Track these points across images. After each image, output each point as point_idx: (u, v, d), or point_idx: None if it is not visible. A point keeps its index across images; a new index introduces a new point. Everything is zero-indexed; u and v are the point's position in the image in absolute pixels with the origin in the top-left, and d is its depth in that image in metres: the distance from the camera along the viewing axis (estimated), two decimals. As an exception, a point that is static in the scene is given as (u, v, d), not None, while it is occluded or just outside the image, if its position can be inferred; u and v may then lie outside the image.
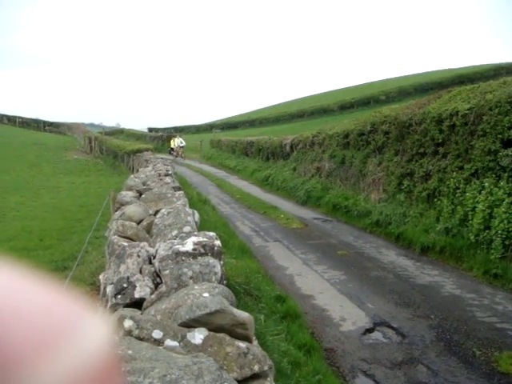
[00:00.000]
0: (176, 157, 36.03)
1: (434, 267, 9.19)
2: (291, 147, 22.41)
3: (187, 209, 5.35)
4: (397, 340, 6.24)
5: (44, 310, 0.36)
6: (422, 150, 11.98)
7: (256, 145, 27.99)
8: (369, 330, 6.55)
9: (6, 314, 0.35)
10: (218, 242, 3.69)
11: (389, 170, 13.41)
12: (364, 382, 5.31)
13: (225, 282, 3.57)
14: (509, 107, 9.28)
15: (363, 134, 15.45)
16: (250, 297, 6.55)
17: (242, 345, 2.57)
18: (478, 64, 67.13)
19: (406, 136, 12.76)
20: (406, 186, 12.36)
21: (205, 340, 2.52)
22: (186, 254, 3.47)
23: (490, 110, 9.69)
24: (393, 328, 6.56)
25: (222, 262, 3.65)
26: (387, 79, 75.18)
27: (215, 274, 3.37)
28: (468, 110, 10.38)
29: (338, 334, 6.44)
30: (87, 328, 0.37)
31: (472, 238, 9.21)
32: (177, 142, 37.90)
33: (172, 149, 38.41)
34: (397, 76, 76.78)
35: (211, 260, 3.44)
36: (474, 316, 6.85)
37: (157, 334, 2.51)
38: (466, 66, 69.07)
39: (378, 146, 14.36)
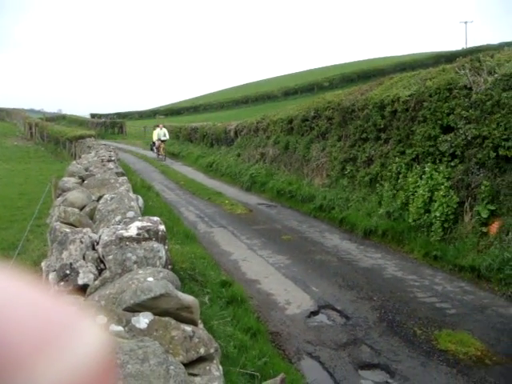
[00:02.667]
0: (158, 155, 27.78)
1: (377, 250, 9.37)
2: (235, 133, 22.40)
3: (131, 194, 5.27)
4: (341, 322, 6.34)
5: (40, 313, 0.36)
6: (364, 136, 12.16)
7: (200, 131, 27.87)
8: (313, 313, 6.62)
9: (2, 317, 0.35)
10: (162, 227, 3.65)
11: (332, 156, 13.56)
12: (309, 363, 5.37)
13: (170, 266, 3.54)
14: (448, 94, 9.50)
15: (307, 120, 15.57)
16: (195, 282, 6.53)
17: (188, 328, 2.56)
18: (419, 52, 68.54)
19: (349, 122, 12.93)
20: (348, 171, 12.53)
21: (150, 324, 2.49)
22: (130, 239, 3.41)
23: (430, 96, 9.90)
24: (337, 310, 6.66)
25: (166, 247, 3.61)
26: (330, 66, 75.88)
27: (160, 258, 3.34)
28: (409, 96, 10.58)
29: (283, 318, 6.49)
30: (83, 331, 0.37)
31: (412, 221, 9.43)
32: (159, 133, 27.73)
33: (153, 143, 28.67)
34: (340, 63, 77.56)
35: (156, 245, 3.40)
36: (415, 297, 7.03)
37: (101, 319, 2.47)
38: (407, 53, 70.41)
39: (322, 131, 14.50)
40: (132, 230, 3.44)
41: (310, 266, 8.51)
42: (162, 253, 3.36)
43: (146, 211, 6.67)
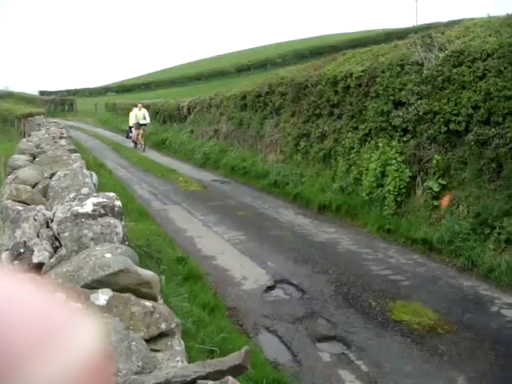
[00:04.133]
0: (136, 145, 22.09)
1: (331, 225, 9.48)
2: (188, 110, 22.22)
3: (85, 171, 5.16)
4: (297, 296, 6.40)
5: (35, 313, 0.36)
6: (317, 111, 12.21)
7: (152, 108, 27.49)
8: (270, 288, 6.67)
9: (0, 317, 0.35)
10: (118, 203, 3.58)
11: (286, 131, 13.58)
12: (267, 337, 5.42)
13: (127, 242, 3.49)
14: (400, 70, 9.61)
15: (260, 96, 15.53)
16: (151, 259, 6.47)
17: (148, 304, 2.53)
18: (370, 29, 69.03)
19: (303, 97, 12.95)
20: (302, 146, 12.57)
21: (109, 301, 2.45)
22: (86, 215, 3.34)
23: (383, 72, 9.99)
24: (293, 284, 6.72)
25: (123, 223, 3.55)
26: (283, 42, 75.78)
27: (117, 234, 3.28)
28: (362, 72, 10.64)
29: (240, 293, 6.51)
30: (79, 329, 0.37)
31: (366, 195, 9.56)
32: (137, 115, 21.94)
33: (130, 128, 22.87)
34: (292, 39, 77.50)
35: (112, 220, 3.34)
36: (369, 270, 7.15)
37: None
38: (359, 30, 70.82)
39: (275, 107, 14.49)
40: (87, 207, 3.36)
41: (266, 242, 8.55)
42: (119, 229, 3.30)
43: (99, 189, 6.57)
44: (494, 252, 6.87)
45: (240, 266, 7.43)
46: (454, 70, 8.37)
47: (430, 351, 4.96)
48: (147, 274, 2.73)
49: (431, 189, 8.34)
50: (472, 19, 10.37)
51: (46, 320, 0.36)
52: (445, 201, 8.17)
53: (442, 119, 8.44)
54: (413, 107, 9.05)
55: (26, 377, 0.33)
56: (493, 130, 7.58)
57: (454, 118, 8.22)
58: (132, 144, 22.67)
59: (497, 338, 5.16)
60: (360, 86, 10.62)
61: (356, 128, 10.69)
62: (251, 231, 9.20)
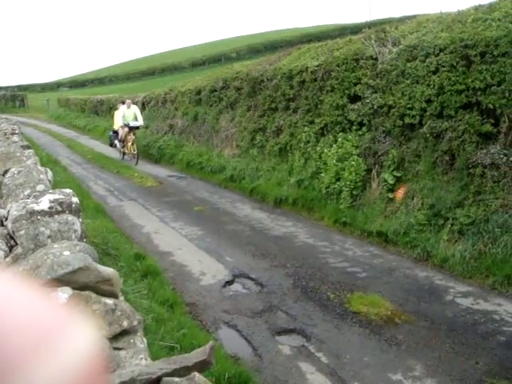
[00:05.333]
0: (123, 155, 17.55)
1: (288, 219, 9.51)
2: (143, 105, 21.95)
3: (39, 167, 5.03)
4: (256, 290, 6.40)
5: (33, 315, 0.36)
6: (273, 106, 12.24)
7: (106, 103, 27.12)
8: (229, 283, 6.65)
9: None
10: (75, 199, 3.51)
11: (241, 126, 13.57)
12: (227, 332, 5.40)
13: (85, 239, 3.42)
14: (355, 64, 9.70)
15: (215, 91, 15.48)
16: (108, 256, 6.38)
17: (109, 301, 2.48)
18: (324, 24, 69.54)
19: (258, 92, 12.96)
20: (258, 141, 12.59)
21: (69, 299, 2.39)
22: (42, 212, 3.26)
23: (338, 66, 10.07)
24: (252, 279, 6.72)
25: (81, 220, 3.48)
26: (238, 37, 75.71)
27: (75, 231, 3.21)
28: (317, 66, 10.71)
29: (198, 289, 6.47)
30: (75, 332, 0.37)
31: (322, 189, 9.62)
32: (126, 115, 17.23)
33: (116, 132, 18.00)
34: (247, 34, 77.47)
35: (70, 217, 3.26)
36: (326, 262, 7.20)
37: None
38: (313, 25, 71.28)
39: (231, 102, 14.47)
40: (43, 204, 3.28)
41: (223, 237, 8.53)
42: (77, 225, 3.23)
43: (54, 186, 6.43)
44: (448, 242, 7.01)
45: (198, 262, 7.39)
46: (408, 65, 8.49)
47: (388, 341, 5.03)
48: (107, 271, 2.68)
49: (386, 181, 8.46)
50: (425, 15, 10.52)
51: (42, 323, 0.36)
52: (400, 193, 8.30)
53: (396, 113, 8.57)
54: (368, 101, 9.16)
55: (23, 381, 0.33)
56: (446, 123, 7.73)
57: (408, 111, 8.36)
58: (118, 154, 17.90)
59: (452, 326, 5.27)
60: (315, 80, 10.68)
61: (312, 122, 10.75)
62: (208, 226, 9.16)
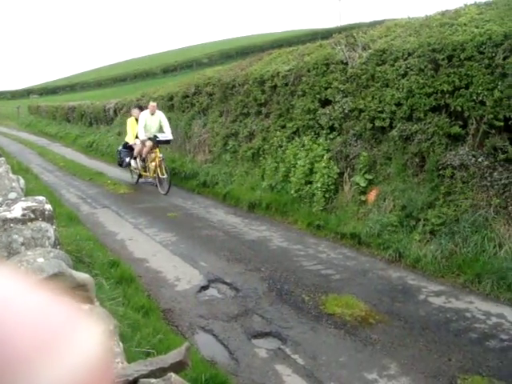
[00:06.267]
0: (139, 175, 13.84)
1: (262, 223, 9.55)
2: (115, 111, 21.88)
3: (11, 175, 5.00)
4: (231, 294, 6.42)
5: (40, 314, 0.37)
6: (245, 111, 12.29)
7: (78, 110, 26.90)
8: (204, 288, 6.65)
9: (4, 317, 0.35)
10: (48, 206, 3.51)
11: (214, 131, 13.60)
12: (203, 337, 5.41)
13: (59, 246, 3.41)
14: (325, 68, 9.80)
15: (187, 96, 15.50)
16: (82, 264, 6.33)
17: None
18: (295, 29, 69.96)
19: (230, 97, 13.00)
20: (231, 146, 12.62)
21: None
22: (15, 220, 3.25)
23: (308, 71, 10.17)
24: (226, 283, 6.73)
25: (54, 227, 3.48)
26: (209, 42, 75.76)
27: (48, 238, 3.21)
28: (288, 71, 10.79)
29: (174, 294, 6.46)
30: (82, 331, 0.37)
31: (295, 193, 9.69)
32: (148, 124, 13.03)
33: (129, 147, 13.88)
34: (219, 39, 77.57)
35: (43, 224, 3.26)
36: (301, 265, 7.25)
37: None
38: (284, 31, 71.63)
39: (203, 107, 14.50)
40: (16, 211, 3.27)
41: (197, 242, 8.53)
42: (51, 232, 3.23)
43: (26, 194, 6.38)
44: (420, 243, 7.12)
45: (173, 268, 7.37)
46: (378, 69, 8.62)
47: (363, 341, 5.09)
48: (82, 277, 2.68)
49: (358, 184, 8.56)
50: (394, 20, 10.69)
51: (49, 322, 0.36)
52: (371, 195, 8.40)
53: (367, 116, 8.68)
54: (339, 105, 9.26)
55: (30, 380, 0.33)
56: (415, 125, 7.86)
57: (378, 114, 8.47)
58: (134, 176, 14.17)
59: (425, 325, 5.36)
60: (286, 84, 10.76)
61: (284, 126, 10.83)
62: (182, 232, 9.15)
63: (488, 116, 6.94)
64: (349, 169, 8.98)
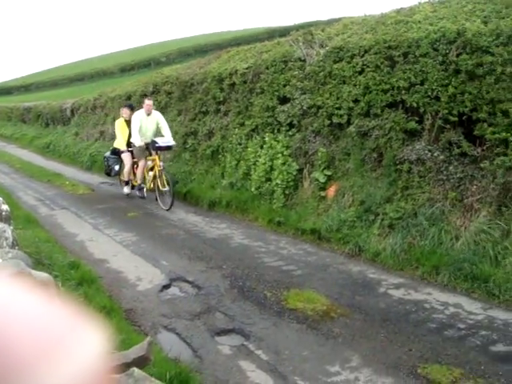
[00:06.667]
0: (132, 186, 11.99)
1: (222, 221, 9.55)
2: (72, 112, 21.57)
3: (-36, 175, 4.92)
4: (193, 292, 6.40)
5: (42, 319, 0.36)
6: (204, 109, 12.26)
7: (34, 111, 26.44)
8: (165, 287, 6.62)
9: (5, 323, 0.35)
10: (5, 207, 3.46)
11: (173, 130, 13.48)
12: (166, 336, 5.39)
13: (17, 247, 3.36)
14: (283, 66, 9.85)
15: (146, 95, 15.36)
16: (41, 266, 6.23)
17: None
18: (253, 27, 69.98)
19: (189, 95, 12.96)
20: (190, 144, 12.56)
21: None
22: (-30, 220, 3.20)
23: (267, 68, 10.20)
24: (188, 282, 6.72)
25: (11, 228, 3.42)
26: (167, 41, 75.14)
27: (6, 239, 3.16)
28: (246, 69, 10.81)
29: (136, 294, 6.42)
30: (84, 337, 0.37)
31: (255, 190, 9.72)
32: (144, 127, 11.03)
33: (117, 153, 12.02)
34: (177, 38, 77.10)
35: (1, 225, 3.21)
36: (262, 262, 7.29)
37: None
38: (242, 29, 71.56)
39: (161, 106, 14.37)
40: (-29, 211, 3.21)
41: (158, 241, 8.49)
42: (8, 233, 3.18)
43: (-20, 195, 6.26)
44: (379, 237, 7.24)
45: (134, 268, 7.32)
46: (335, 66, 8.70)
47: (325, 335, 5.14)
48: (42, 275, 2.65)
49: (318, 180, 8.64)
50: (350, 17, 10.81)
51: (51, 328, 0.36)
52: (331, 191, 8.49)
53: (325, 113, 8.77)
54: (297, 102, 9.32)
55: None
56: (372, 121, 7.97)
57: (336, 111, 8.56)
58: (124, 189, 12.18)
59: (385, 317, 5.45)
60: (245, 82, 10.78)
61: (243, 124, 10.84)
62: (143, 232, 9.09)
63: (443, 111, 7.09)
64: (308, 165, 9.05)
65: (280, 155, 9.31)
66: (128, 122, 11.55)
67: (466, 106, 6.83)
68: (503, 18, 6.87)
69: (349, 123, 8.42)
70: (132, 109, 11.99)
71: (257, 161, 9.87)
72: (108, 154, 12.51)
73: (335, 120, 8.59)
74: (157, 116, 11.26)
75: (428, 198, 7.14)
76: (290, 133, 9.55)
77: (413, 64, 7.47)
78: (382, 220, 7.36)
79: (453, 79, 6.98)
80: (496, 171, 6.55)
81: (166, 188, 10.45)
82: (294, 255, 7.50)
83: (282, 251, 7.70)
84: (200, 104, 12.36)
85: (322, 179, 8.57)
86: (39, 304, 0.37)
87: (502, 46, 6.52)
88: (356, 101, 8.26)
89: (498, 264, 6.15)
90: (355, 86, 8.28)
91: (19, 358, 0.34)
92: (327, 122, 8.73)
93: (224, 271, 6.99)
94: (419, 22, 7.92)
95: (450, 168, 7.04)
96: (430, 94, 7.24)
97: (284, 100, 9.82)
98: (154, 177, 10.97)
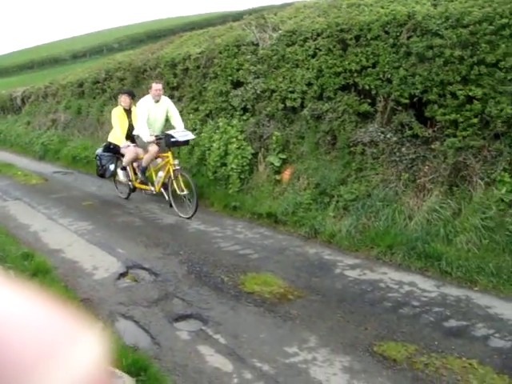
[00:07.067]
0: (133, 188, 10.24)
1: (168, 206, 9.41)
2: (22, 100, 21.09)
3: None
4: (150, 279, 6.37)
5: (41, 323, 0.36)
6: (158, 95, 12.13)
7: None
8: (122, 275, 6.56)
9: (4, 327, 0.35)
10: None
11: (128, 117, 13.36)
12: (124, 324, 5.34)
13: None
14: (236, 50, 9.82)
15: (98, 82, 15.16)
16: (-7, 258, 6.12)
17: None
18: (208, 12, 69.54)
19: (142, 81, 12.83)
20: (144, 131, 12.43)
21: None
22: None
23: (220, 53, 10.15)
24: (145, 269, 6.67)
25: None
26: (119, 27, 74.03)
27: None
28: (199, 53, 10.74)
29: (92, 283, 6.34)
30: (81, 342, 0.37)
31: (211, 175, 9.69)
32: (154, 114, 9.29)
33: (112, 149, 10.21)
34: (129, 24, 76.00)
35: None
36: (219, 247, 7.29)
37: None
38: (196, 14, 71.03)
39: (114, 93, 14.18)
40: None
41: (114, 230, 8.41)
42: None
43: None
44: (334, 219, 7.32)
45: (89, 257, 7.22)
46: (288, 49, 8.72)
47: (283, 317, 5.18)
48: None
49: (273, 164, 8.66)
50: (303, 1, 10.83)
51: (48, 332, 0.36)
52: (286, 175, 8.53)
53: (278, 97, 8.79)
54: (250, 86, 9.31)
55: None
56: (326, 104, 8.03)
57: (289, 95, 8.59)
58: (121, 191, 10.67)
59: (342, 297, 5.52)
60: (198, 67, 10.71)
61: (197, 109, 10.79)
62: (99, 220, 8.98)
63: (395, 94, 7.18)
64: (263, 149, 9.07)
65: (234, 140, 9.29)
66: (128, 112, 9.98)
67: (417, 88, 6.93)
68: (452, 0, 6.97)
69: (302, 107, 8.46)
70: (133, 96, 10.30)
71: (211, 146, 9.82)
72: (100, 151, 10.56)
73: (289, 104, 8.62)
74: (166, 103, 9.50)
75: (382, 179, 7.25)
76: (244, 117, 9.54)
77: (365, 47, 7.53)
78: (337, 202, 7.44)
79: (404, 62, 7.08)
80: (446, 152, 6.68)
81: (185, 192, 8.61)
82: (251, 239, 7.52)
83: (239, 235, 7.72)
84: (153, 90, 12.23)
85: (277, 163, 8.60)
86: (36, 308, 0.37)
87: (450, 28, 6.61)
88: (309, 84, 8.30)
89: (449, 242, 6.31)
90: (308, 69, 8.31)
91: (16, 362, 0.33)
92: (281, 105, 8.76)
93: (181, 257, 6.97)
94: (371, 5, 7.99)
95: (403, 149, 7.15)
96: (381, 76, 7.32)
97: (237, 84, 9.80)
98: (167, 178, 9.20)
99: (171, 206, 9.04)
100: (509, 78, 6.12)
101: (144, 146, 9.42)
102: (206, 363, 4.51)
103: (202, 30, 13.25)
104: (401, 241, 6.53)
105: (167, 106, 9.44)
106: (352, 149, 7.65)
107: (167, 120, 9.58)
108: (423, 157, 6.98)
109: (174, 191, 8.90)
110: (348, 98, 7.75)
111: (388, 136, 7.27)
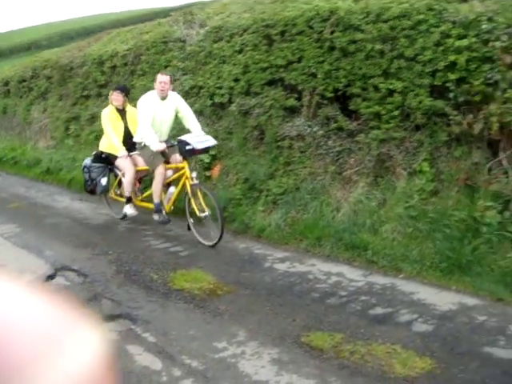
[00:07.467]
0: (163, 219, 7.51)
1: (99, 206, 9.27)
2: None
3: None
4: (79, 281, 6.26)
5: (39, 320, 0.36)
6: (85, 93, 11.94)
7: None
8: (50, 277, 6.42)
9: (2, 324, 0.34)
10: None
11: (54, 116, 13.07)
12: (50, 326, 5.25)
13: None
14: (164, 47, 9.76)
15: (24, 81, 14.74)
16: None
17: None
18: (136, 9, 68.68)
19: (69, 80, 12.56)
20: (73, 130, 12.21)
21: None
22: None
23: (147, 50, 10.07)
24: (74, 270, 6.55)
25: None
26: (49, 23, 72.09)
27: None
28: (127, 50, 10.62)
29: (17, 286, 6.19)
30: (82, 337, 0.37)
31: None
32: (160, 116, 7.29)
33: (103, 160, 8.23)
34: (58, 20, 74.15)
35: None
36: (149, 245, 7.23)
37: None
38: (125, 10, 70.03)
39: (42, 91, 13.86)
40: None
41: (42, 231, 8.21)
42: None
43: None
44: (264, 213, 7.38)
45: (15, 260, 7.02)
46: (215, 46, 8.73)
47: (212, 313, 5.19)
48: None
49: (202, 161, 8.64)
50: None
51: (46, 328, 0.36)
52: (215, 171, 8.53)
53: (206, 93, 8.79)
54: (179, 83, 9.25)
55: None
56: (253, 100, 8.08)
57: (217, 91, 8.60)
58: (126, 208, 8.07)
59: (271, 291, 5.57)
60: (126, 64, 10.59)
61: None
62: (26, 222, 8.74)
63: (320, 88, 7.29)
64: (193, 146, 9.03)
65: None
66: (121, 112, 8.17)
67: (341, 82, 7.07)
68: (372, -4, 7.13)
69: (230, 102, 8.49)
70: (127, 93, 8.44)
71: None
72: (88, 161, 8.54)
73: (217, 100, 8.62)
74: (176, 100, 7.47)
75: (309, 172, 7.35)
76: (174, 114, 9.48)
77: (290, 42, 7.62)
78: (266, 196, 7.50)
79: (328, 56, 7.20)
80: (371, 144, 6.85)
81: (206, 213, 6.84)
82: (182, 236, 7.48)
83: (168, 233, 7.67)
84: (81, 88, 12.01)
85: (207, 159, 8.57)
86: (35, 304, 0.37)
87: (371, 23, 6.78)
88: (236, 80, 8.33)
89: (375, 232, 6.47)
90: (235, 65, 8.34)
91: (14, 358, 0.33)
92: (209, 101, 8.75)
93: (110, 257, 6.87)
94: (295, 0, 8.08)
95: (329, 142, 7.27)
96: (306, 71, 7.43)
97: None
98: (181, 195, 7.54)
99: (189, 229, 7.30)
100: (426, 71, 6.32)
101: (149, 161, 7.42)
102: (134, 363, 4.47)
103: (130, 26, 13.09)
104: (329, 232, 6.65)
105: (177, 105, 7.43)
106: (280, 143, 7.73)
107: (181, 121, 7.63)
108: (349, 149, 7.13)
109: (192, 212, 7.09)
110: (275, 92, 7.82)
111: (314, 130, 7.38)
